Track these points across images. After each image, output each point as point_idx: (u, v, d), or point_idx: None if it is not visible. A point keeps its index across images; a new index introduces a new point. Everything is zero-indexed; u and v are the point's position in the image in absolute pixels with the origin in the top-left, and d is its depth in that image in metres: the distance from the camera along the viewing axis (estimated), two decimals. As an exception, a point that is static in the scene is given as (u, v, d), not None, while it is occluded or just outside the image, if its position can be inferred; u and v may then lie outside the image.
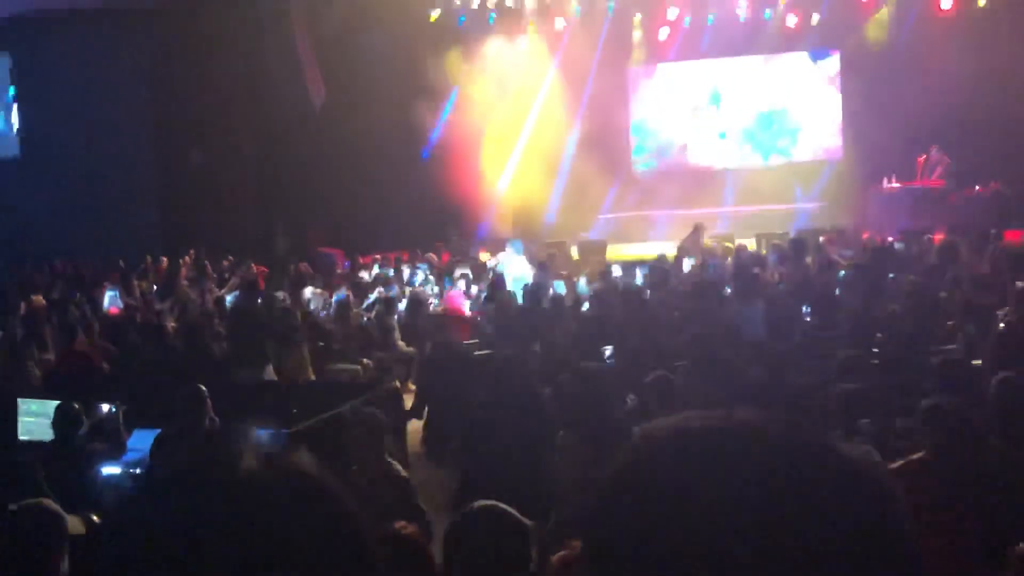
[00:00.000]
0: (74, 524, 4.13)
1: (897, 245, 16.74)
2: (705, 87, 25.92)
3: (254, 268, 19.22)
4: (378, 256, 18.98)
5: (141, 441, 7.47)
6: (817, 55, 25.19)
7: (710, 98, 25.88)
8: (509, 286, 13.93)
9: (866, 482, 0.99)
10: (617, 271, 15.13)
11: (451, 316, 13.37)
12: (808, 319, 10.79)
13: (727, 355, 8.65)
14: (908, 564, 0.98)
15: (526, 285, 13.22)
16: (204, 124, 23.09)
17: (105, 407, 7.83)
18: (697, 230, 18.61)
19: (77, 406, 7.41)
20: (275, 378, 9.72)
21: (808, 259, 14.58)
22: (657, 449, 1.02)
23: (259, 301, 12.75)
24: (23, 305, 14.56)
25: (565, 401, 6.66)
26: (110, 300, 15.31)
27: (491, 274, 15.25)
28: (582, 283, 14.09)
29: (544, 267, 16.58)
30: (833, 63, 25.11)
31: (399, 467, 6.10)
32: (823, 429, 1.03)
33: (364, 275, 16.89)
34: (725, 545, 0.93)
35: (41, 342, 11.54)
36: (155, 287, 17.06)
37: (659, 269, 14.86)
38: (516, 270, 14.90)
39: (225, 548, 0.99)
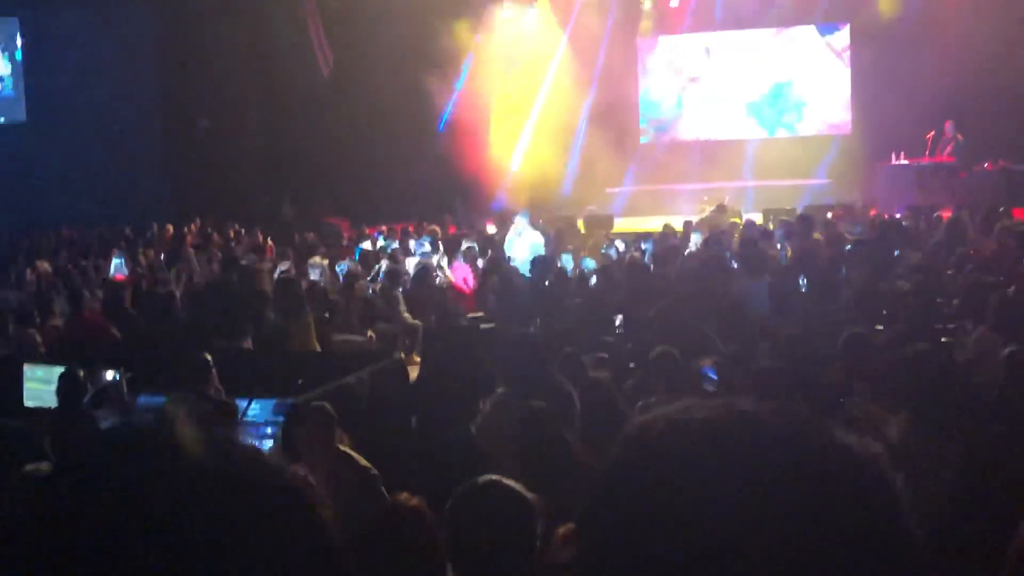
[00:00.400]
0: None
1: (904, 222, 16.67)
2: (713, 59, 25.79)
3: (260, 236, 19.24)
4: (384, 227, 18.96)
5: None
6: (825, 29, 25.05)
7: (717, 71, 25.74)
8: (522, 258, 13.91)
9: (867, 473, 0.98)
10: (620, 245, 15.11)
11: (456, 288, 13.38)
12: (808, 293, 10.76)
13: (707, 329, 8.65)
14: (911, 556, 0.97)
15: (536, 257, 13.19)
16: (212, 91, 23.05)
17: (109, 374, 7.84)
18: (720, 210, 18.57)
19: (81, 373, 7.43)
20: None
21: (816, 235, 14.52)
22: (655, 439, 1.01)
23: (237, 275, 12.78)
24: (29, 271, 14.60)
25: (507, 362, 6.98)
26: (115, 268, 15.34)
27: (491, 248, 15.25)
28: (588, 260, 14.04)
29: (557, 238, 16.57)
30: (842, 37, 24.97)
31: (357, 457, 5.77)
32: (824, 418, 1.02)
33: (367, 245, 16.86)
34: (723, 537, 0.93)
35: (48, 308, 11.57)
36: (161, 255, 17.07)
37: (664, 242, 14.86)
38: (528, 242, 14.89)
39: (148, 534, 0.96)
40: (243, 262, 14.75)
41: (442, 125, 24.84)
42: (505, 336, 7.76)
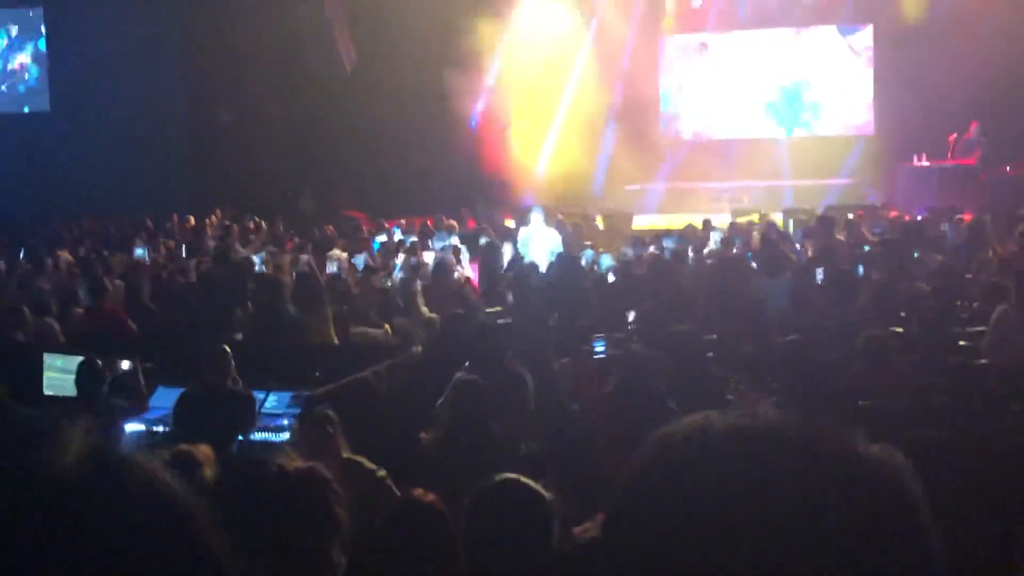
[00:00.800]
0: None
1: (925, 224, 16.61)
2: (734, 58, 25.70)
3: (280, 226, 19.29)
4: (402, 221, 18.97)
5: (165, 399, 7.54)
6: (847, 29, 24.92)
7: (736, 70, 25.66)
8: (539, 256, 13.84)
9: (888, 484, 0.98)
10: (629, 251, 14.62)
11: (473, 284, 13.35)
12: (826, 293, 10.73)
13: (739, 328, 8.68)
14: (931, 566, 0.97)
15: (559, 255, 13.13)
16: (235, 84, 23.10)
17: (126, 363, 7.88)
18: (706, 226, 18.31)
19: (100, 362, 7.47)
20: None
21: (839, 235, 14.48)
22: (678, 449, 1.01)
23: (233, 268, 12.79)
24: (50, 260, 14.66)
25: (465, 347, 7.27)
26: (138, 258, 15.40)
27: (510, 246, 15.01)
28: (605, 257, 13.96)
29: (575, 235, 16.51)
30: (864, 37, 24.84)
31: (363, 461, 5.64)
32: (847, 430, 1.02)
33: (383, 238, 16.83)
34: (744, 548, 0.93)
35: (71, 298, 11.63)
36: (182, 246, 17.12)
37: (689, 240, 14.87)
38: (545, 240, 14.74)
39: (23, 551, 0.93)
40: (242, 255, 14.77)
41: (474, 122, 24.83)
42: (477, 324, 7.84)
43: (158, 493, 1.01)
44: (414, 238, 16.39)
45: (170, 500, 1.02)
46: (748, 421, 1.02)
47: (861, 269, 11.87)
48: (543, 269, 12.56)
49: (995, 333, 8.47)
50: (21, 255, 15.28)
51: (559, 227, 16.50)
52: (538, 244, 14.48)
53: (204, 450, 4.11)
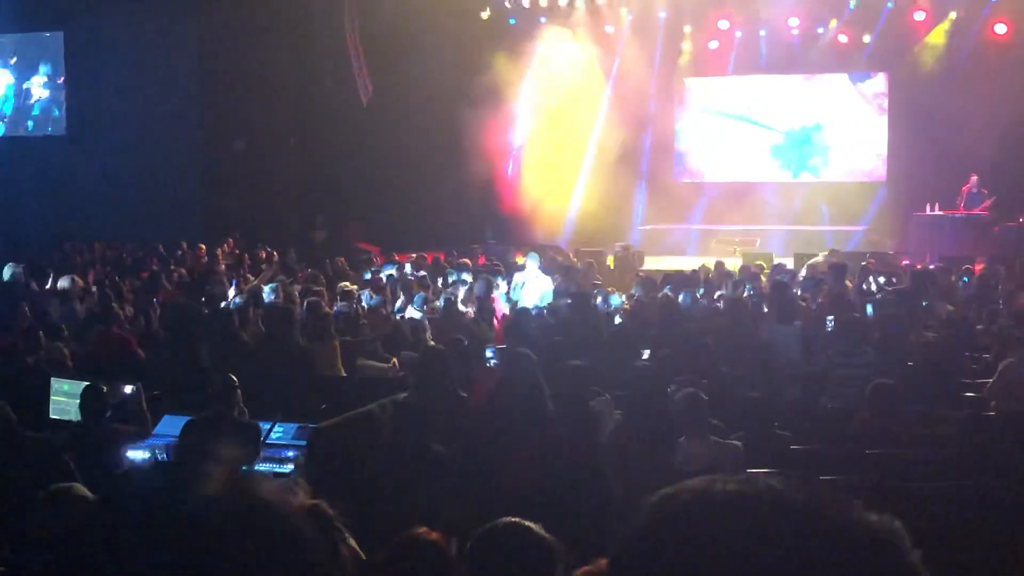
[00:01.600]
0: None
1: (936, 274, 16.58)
2: (746, 102, 25.80)
3: (292, 256, 19.33)
4: (413, 255, 18.99)
5: (171, 427, 7.53)
6: (861, 76, 25.00)
7: (749, 114, 25.76)
8: (531, 301, 13.73)
9: (886, 551, 0.99)
10: (637, 292, 14.43)
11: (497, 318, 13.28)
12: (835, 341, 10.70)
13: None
14: None
15: (574, 294, 12.91)
16: (251, 113, 23.23)
17: (128, 388, 7.88)
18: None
19: (105, 388, 7.47)
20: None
21: (848, 282, 14.46)
22: (680, 511, 1.03)
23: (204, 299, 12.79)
24: (65, 282, 14.68)
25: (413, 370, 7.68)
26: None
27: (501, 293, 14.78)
28: (614, 298, 13.84)
29: (585, 273, 16.36)
30: (878, 85, 24.90)
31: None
32: (848, 498, 1.03)
33: (390, 270, 16.76)
34: None
35: (80, 322, 11.67)
36: (194, 274, 17.14)
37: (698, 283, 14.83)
38: (539, 288, 14.53)
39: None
40: (241, 288, 14.80)
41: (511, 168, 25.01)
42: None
43: (285, 522, 1.14)
44: (423, 273, 16.36)
45: (295, 528, 1.14)
46: (750, 486, 1.03)
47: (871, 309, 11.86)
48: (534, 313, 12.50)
49: (999, 381, 8.44)
50: (50, 280, 15.26)
51: (562, 269, 16.47)
52: (531, 289, 14.31)
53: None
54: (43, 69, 25.60)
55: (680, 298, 12.66)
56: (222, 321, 10.56)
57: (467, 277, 15.43)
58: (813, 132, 25.44)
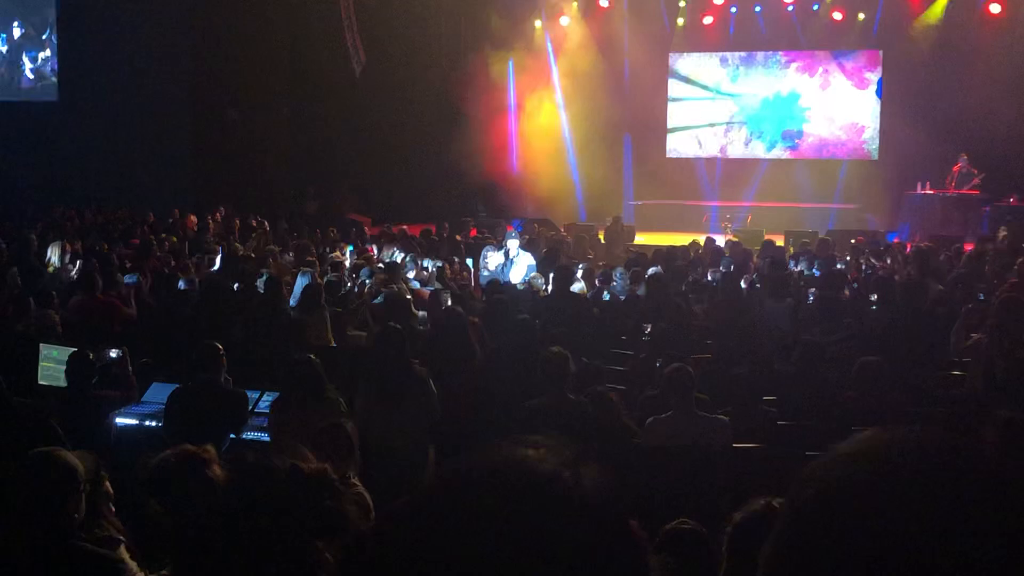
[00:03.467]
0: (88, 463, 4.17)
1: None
2: (740, 78, 25.75)
3: (283, 226, 19.28)
4: (405, 226, 18.86)
5: (160, 394, 7.53)
6: (850, 55, 24.93)
7: (743, 89, 25.71)
8: (518, 278, 13.56)
9: None
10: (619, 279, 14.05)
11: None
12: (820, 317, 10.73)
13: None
14: None
15: (557, 267, 12.51)
16: (242, 81, 23.10)
17: (113, 352, 7.85)
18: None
19: (91, 354, 7.45)
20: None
21: (839, 263, 14.47)
22: (874, 464, 1.03)
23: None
24: (53, 251, 14.62)
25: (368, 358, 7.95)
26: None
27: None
28: (617, 275, 13.34)
29: (577, 247, 16.23)
30: (871, 63, 24.85)
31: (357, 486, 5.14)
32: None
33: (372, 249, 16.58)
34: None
35: (68, 288, 11.64)
36: (185, 243, 17.08)
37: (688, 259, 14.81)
38: (523, 268, 14.16)
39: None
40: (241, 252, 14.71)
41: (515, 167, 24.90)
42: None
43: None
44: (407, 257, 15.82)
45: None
46: (907, 437, 1.05)
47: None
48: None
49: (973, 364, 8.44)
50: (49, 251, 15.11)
51: (551, 242, 16.37)
52: (516, 275, 14.01)
53: (209, 449, 4.09)
54: (37, 37, 25.44)
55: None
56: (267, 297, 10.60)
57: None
58: (805, 110, 25.39)
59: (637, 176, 25.20)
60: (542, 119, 24.89)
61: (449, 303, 10.42)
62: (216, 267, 14.55)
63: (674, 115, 26.23)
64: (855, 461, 1.03)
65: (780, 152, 25.59)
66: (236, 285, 11.68)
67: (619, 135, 24.60)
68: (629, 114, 24.98)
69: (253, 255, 15.10)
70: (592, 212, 23.48)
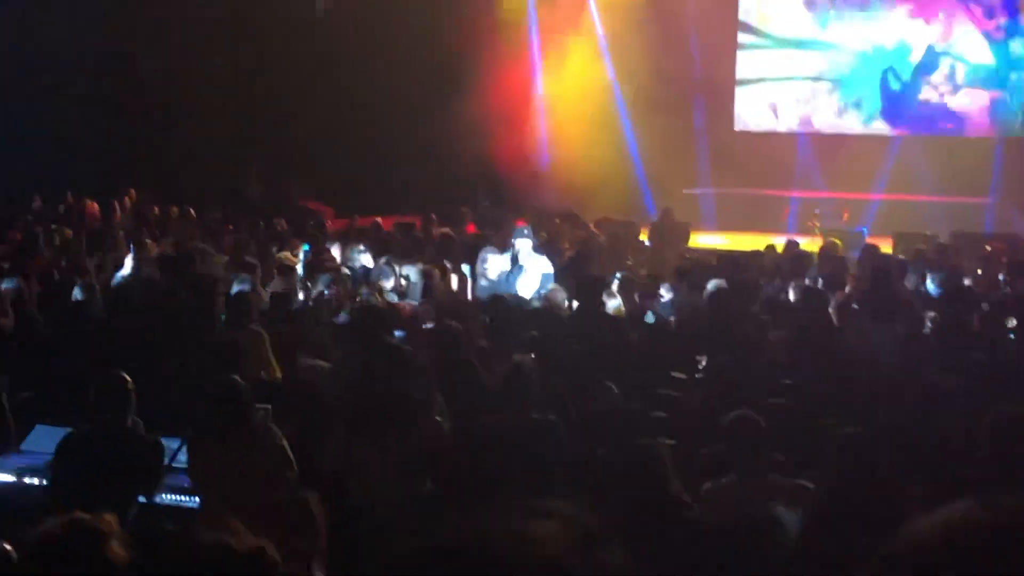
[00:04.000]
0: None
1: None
2: (827, 22, 25.71)
3: (215, 217, 19.29)
4: (379, 219, 18.87)
5: (44, 441, 7.50)
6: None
7: (830, 37, 25.67)
8: (528, 291, 13.53)
9: None
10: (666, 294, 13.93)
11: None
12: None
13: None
14: None
15: (583, 279, 12.51)
16: (162, 23, 23.12)
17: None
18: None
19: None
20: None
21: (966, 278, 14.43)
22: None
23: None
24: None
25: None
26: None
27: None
28: (665, 289, 13.31)
29: (611, 249, 16.15)
30: (1011, 5, 24.76)
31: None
32: None
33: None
34: None
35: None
36: (82, 238, 17.09)
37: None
38: (537, 273, 14.12)
39: None
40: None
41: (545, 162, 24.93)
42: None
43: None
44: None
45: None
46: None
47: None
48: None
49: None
50: None
51: (577, 244, 16.31)
52: (527, 282, 13.98)
53: (108, 519, 4.04)
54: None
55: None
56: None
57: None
58: (921, 71, 25.31)
59: (693, 159, 25.12)
60: (577, 72, 24.76)
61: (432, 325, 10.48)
62: (124, 270, 14.56)
63: (743, 74, 26.19)
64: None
65: (881, 126, 25.53)
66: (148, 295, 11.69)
67: (670, 106, 24.31)
68: (684, 79, 24.84)
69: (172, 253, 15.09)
70: (632, 204, 23.34)
